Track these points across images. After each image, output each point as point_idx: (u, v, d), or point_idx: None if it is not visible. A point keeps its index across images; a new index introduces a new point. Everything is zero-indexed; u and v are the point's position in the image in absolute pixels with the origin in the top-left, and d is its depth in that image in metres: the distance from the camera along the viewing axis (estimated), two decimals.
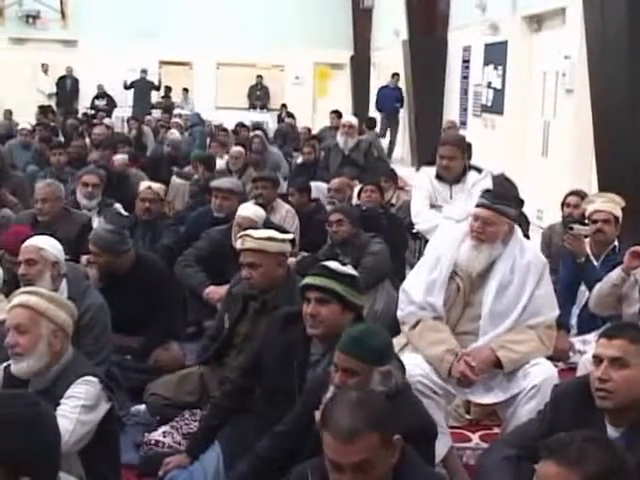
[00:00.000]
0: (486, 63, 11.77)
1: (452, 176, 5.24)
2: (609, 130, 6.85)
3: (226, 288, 4.41)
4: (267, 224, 5.06)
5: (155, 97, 17.75)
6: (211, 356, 4.07)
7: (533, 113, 10.23)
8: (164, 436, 3.65)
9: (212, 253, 5.25)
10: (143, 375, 4.25)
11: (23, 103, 16.46)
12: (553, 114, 9.47)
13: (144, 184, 6.04)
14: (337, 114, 12.54)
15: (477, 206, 3.60)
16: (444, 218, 5.00)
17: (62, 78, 18.80)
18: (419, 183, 5.48)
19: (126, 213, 6.08)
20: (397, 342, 3.40)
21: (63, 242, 4.07)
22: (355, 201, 6.45)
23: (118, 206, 6.27)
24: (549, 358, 3.55)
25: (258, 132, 10.68)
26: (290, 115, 17.72)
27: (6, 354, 2.94)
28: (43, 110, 14.78)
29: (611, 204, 4.93)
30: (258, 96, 19.66)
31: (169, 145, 9.54)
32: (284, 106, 18.81)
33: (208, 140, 11.58)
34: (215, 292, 4.97)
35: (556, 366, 3.78)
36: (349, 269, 3.14)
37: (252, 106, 19.44)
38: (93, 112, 16.85)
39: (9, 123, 13.46)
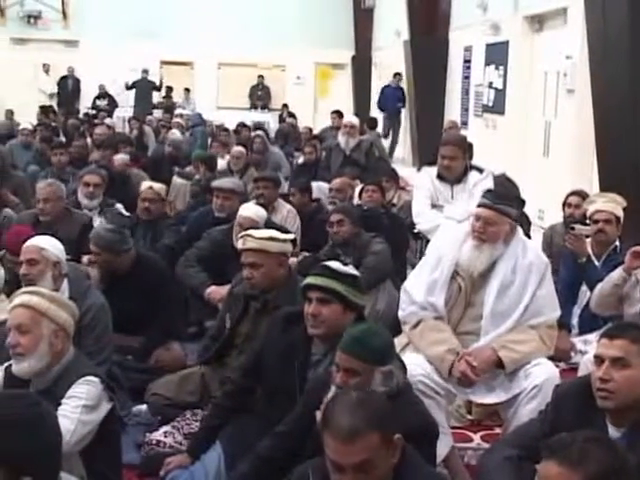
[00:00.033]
0: (487, 63, 11.76)
1: (453, 176, 5.24)
2: (610, 130, 6.85)
3: (227, 288, 4.41)
4: (268, 224, 5.06)
5: (156, 97, 17.75)
6: (212, 356, 4.07)
7: (534, 113, 10.22)
8: (165, 436, 3.65)
9: (213, 253, 5.25)
10: (144, 375, 4.25)
11: (24, 103, 16.43)
12: (554, 114, 9.46)
13: (145, 184, 6.04)
14: (338, 114, 12.52)
15: (478, 206, 3.60)
16: (445, 218, 5.00)
17: (63, 78, 18.79)
18: (420, 183, 5.48)
19: (127, 213, 6.08)
20: (398, 342, 3.39)
21: (64, 242, 4.07)
22: (356, 201, 6.44)
23: (119, 206, 6.26)
24: (550, 358, 3.54)
25: (259, 132, 10.66)
26: (291, 115, 17.69)
27: (7, 354, 2.94)
28: (44, 110, 14.76)
29: (612, 204, 4.93)
30: (259, 96, 19.65)
31: (170, 145, 9.53)
32: (285, 106, 18.80)
33: (209, 140, 11.59)
34: (216, 292, 4.98)
35: (557, 366, 3.77)
36: (351, 269, 3.14)
37: (253, 106, 19.43)
38: (94, 112, 16.82)
39: (10, 123, 13.43)
